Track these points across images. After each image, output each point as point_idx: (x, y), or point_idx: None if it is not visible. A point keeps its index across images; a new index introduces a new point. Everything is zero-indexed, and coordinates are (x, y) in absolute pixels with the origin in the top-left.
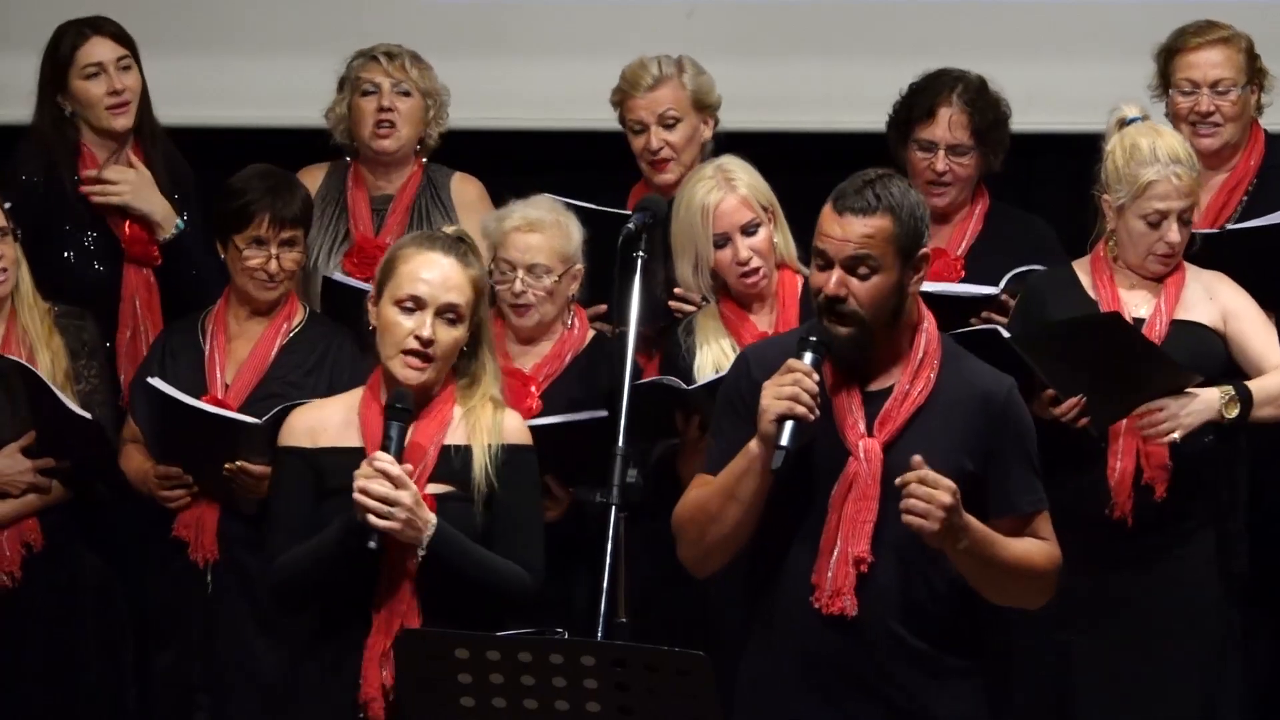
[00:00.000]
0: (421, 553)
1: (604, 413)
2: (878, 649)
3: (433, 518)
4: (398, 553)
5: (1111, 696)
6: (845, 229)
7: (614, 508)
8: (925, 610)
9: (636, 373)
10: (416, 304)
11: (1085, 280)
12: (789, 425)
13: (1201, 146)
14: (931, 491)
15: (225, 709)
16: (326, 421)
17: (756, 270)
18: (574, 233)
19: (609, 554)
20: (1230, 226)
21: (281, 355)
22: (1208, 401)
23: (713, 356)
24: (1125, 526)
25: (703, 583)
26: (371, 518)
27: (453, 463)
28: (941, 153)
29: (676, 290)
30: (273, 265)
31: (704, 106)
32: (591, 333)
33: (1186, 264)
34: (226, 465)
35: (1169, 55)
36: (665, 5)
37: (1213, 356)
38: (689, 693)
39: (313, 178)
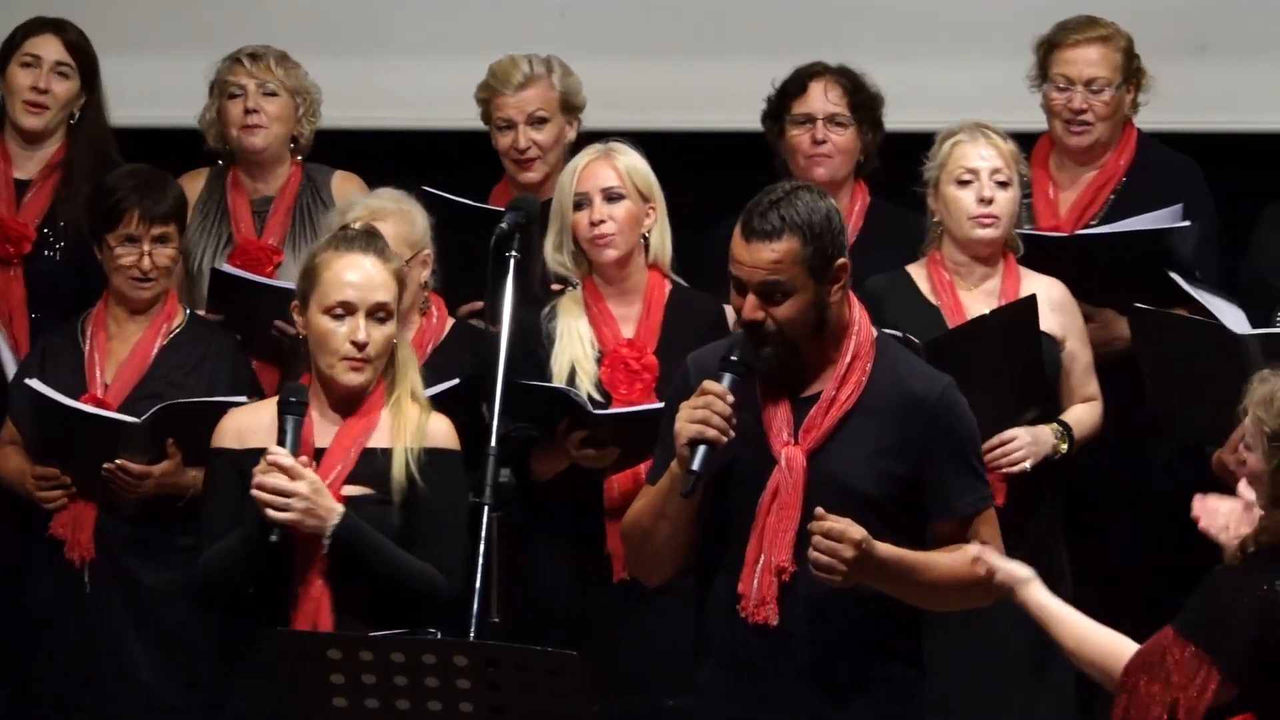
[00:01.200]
0: (326, 541)
1: (455, 381)
2: (804, 658)
3: (337, 507)
4: (308, 548)
5: (949, 702)
6: (753, 255)
7: (486, 508)
8: (854, 618)
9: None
10: (347, 309)
11: (923, 285)
12: (701, 449)
13: (1072, 144)
14: (834, 545)
15: (103, 710)
16: (256, 424)
17: (608, 236)
18: (418, 219)
19: (481, 555)
20: (1086, 231)
21: (162, 355)
22: (1047, 437)
23: (570, 352)
24: None
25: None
26: (270, 511)
27: (375, 464)
28: (820, 123)
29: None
30: (145, 262)
31: (571, 108)
32: (451, 321)
33: (1020, 268)
34: (105, 465)
35: (1048, 48)
36: (539, 4)
37: (1051, 364)
38: (561, 692)
39: (194, 183)
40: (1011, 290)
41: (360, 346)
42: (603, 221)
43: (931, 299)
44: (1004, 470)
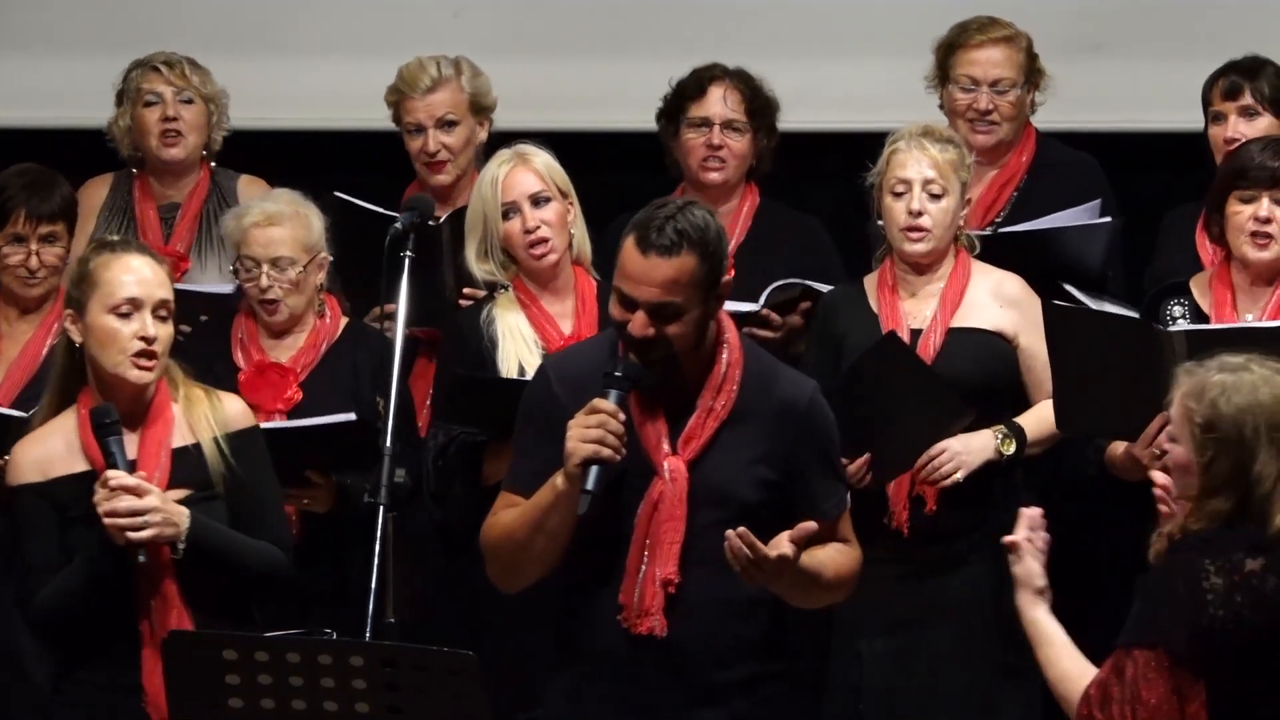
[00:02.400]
0: (182, 545)
1: (351, 416)
2: (689, 665)
3: (185, 510)
4: (153, 559)
5: (894, 706)
6: (651, 270)
7: (382, 508)
8: (736, 622)
9: (406, 371)
10: (134, 305)
11: (872, 294)
12: (594, 469)
13: (976, 144)
14: (756, 574)
15: None
16: (52, 452)
17: (545, 241)
18: (315, 222)
19: (376, 555)
20: (1001, 230)
21: (52, 354)
22: (984, 442)
23: (516, 352)
24: (902, 537)
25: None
26: (130, 534)
27: (189, 462)
28: (716, 128)
29: (466, 290)
30: (33, 261)
31: (481, 109)
32: (345, 320)
33: (975, 263)
34: None
35: (949, 49)
36: (433, 4)
37: (1000, 362)
38: (458, 692)
39: (97, 190)
40: (954, 290)
41: (149, 341)
42: (537, 227)
43: (875, 308)
44: (939, 485)
